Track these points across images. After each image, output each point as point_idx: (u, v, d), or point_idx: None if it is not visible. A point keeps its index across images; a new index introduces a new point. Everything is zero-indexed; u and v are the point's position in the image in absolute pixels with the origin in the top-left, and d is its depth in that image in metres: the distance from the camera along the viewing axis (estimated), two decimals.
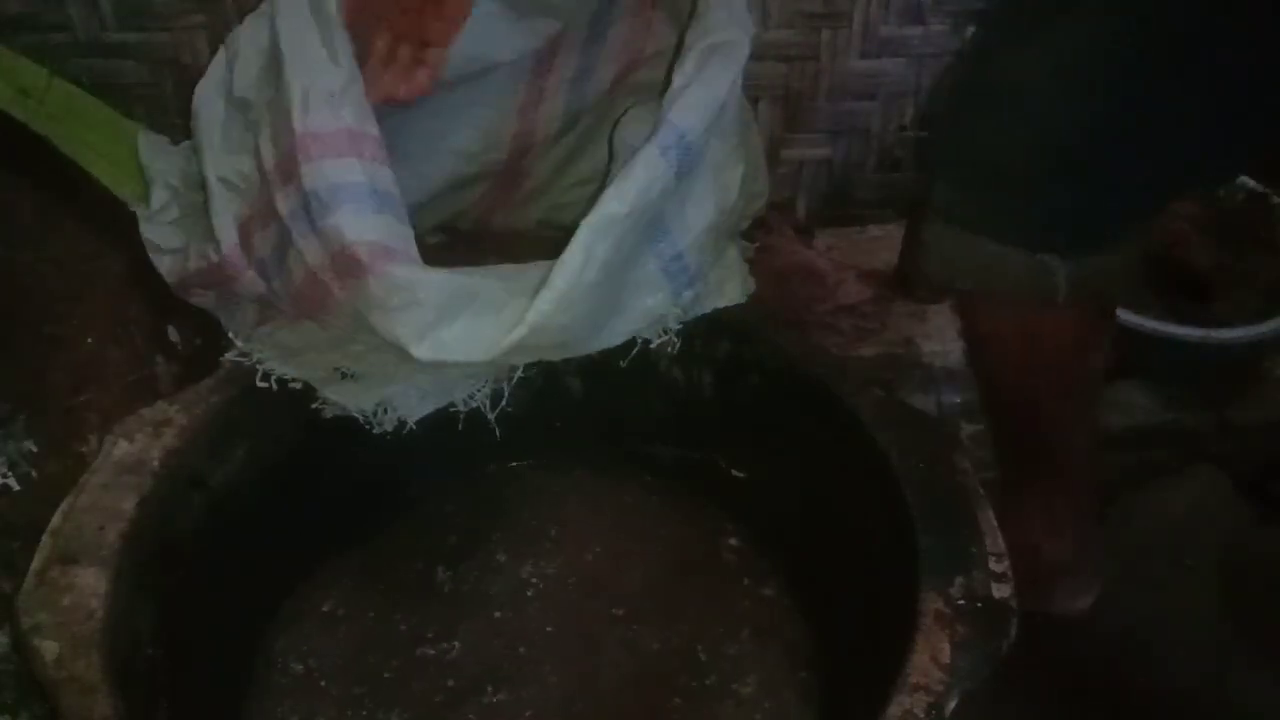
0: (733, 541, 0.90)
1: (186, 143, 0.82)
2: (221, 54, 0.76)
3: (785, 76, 1.10)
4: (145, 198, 0.79)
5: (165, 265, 0.77)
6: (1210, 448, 1.07)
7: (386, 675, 0.80)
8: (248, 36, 0.74)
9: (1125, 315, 0.97)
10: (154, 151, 0.81)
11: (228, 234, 0.73)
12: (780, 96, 1.12)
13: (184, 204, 0.79)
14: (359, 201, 0.66)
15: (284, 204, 0.69)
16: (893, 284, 1.14)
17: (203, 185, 0.76)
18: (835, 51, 1.09)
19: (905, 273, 1.13)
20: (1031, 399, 0.80)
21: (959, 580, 0.63)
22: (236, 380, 0.75)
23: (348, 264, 0.65)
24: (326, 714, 0.78)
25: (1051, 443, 0.84)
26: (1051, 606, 0.91)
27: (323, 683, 0.80)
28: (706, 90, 0.72)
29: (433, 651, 0.82)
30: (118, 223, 0.83)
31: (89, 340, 0.85)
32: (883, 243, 1.18)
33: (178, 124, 1.01)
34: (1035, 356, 0.77)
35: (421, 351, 0.64)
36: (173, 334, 0.92)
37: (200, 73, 1.00)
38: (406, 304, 0.64)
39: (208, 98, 0.76)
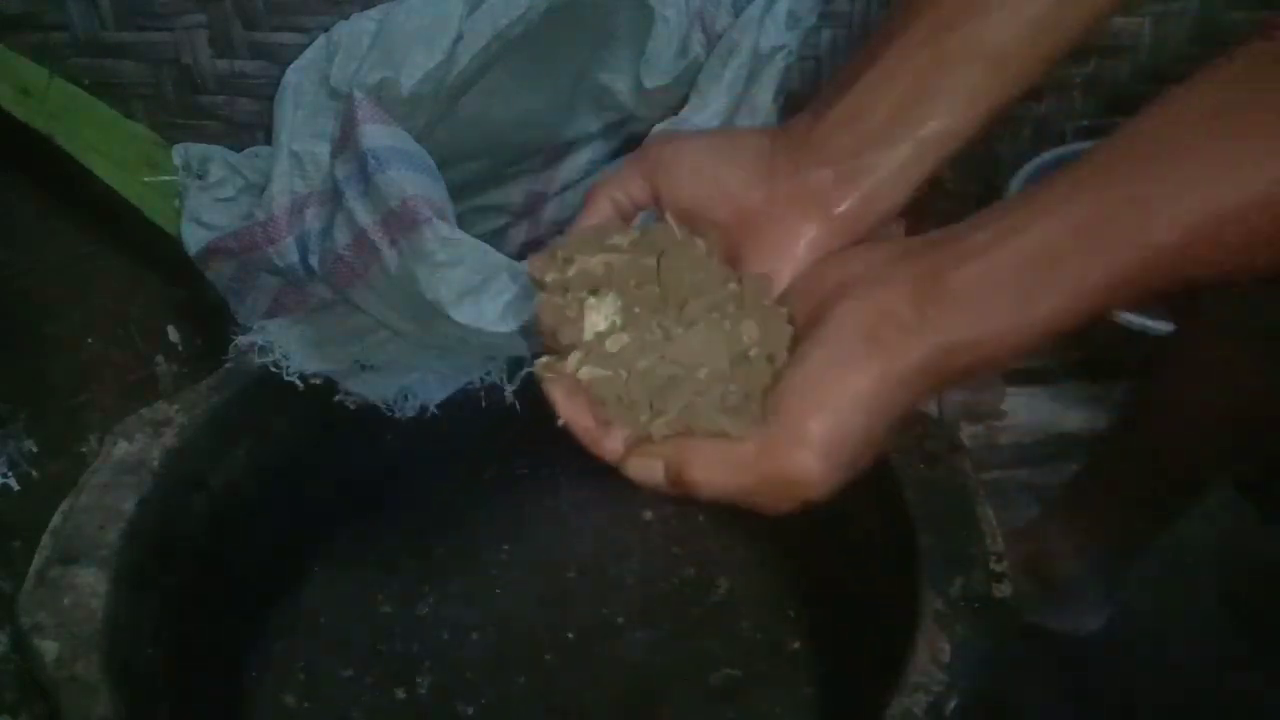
0: (730, 543, 0.90)
1: (252, 149, 0.85)
2: (322, 40, 0.78)
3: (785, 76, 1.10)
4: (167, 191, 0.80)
5: (194, 236, 0.78)
6: None
7: (392, 671, 0.80)
8: (351, 31, 0.77)
9: (1124, 315, 0.97)
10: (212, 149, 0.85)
11: (281, 200, 0.74)
12: (780, 96, 1.11)
13: (238, 187, 0.81)
14: (413, 164, 0.69)
15: (341, 169, 0.71)
16: None
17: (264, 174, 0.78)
18: (835, 51, 1.09)
19: None
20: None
21: (959, 580, 0.62)
22: (236, 380, 0.75)
23: (404, 217, 0.66)
24: (328, 712, 0.78)
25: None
26: (1057, 624, 0.91)
27: (324, 682, 0.80)
28: (728, 92, 0.74)
29: (436, 645, 0.82)
30: (118, 223, 0.83)
31: (89, 340, 0.85)
32: None
33: (178, 124, 1.01)
34: None
35: (459, 314, 0.65)
36: (173, 334, 0.92)
37: (200, 72, 1.00)
38: (453, 262, 0.65)
39: (300, 77, 0.78)
